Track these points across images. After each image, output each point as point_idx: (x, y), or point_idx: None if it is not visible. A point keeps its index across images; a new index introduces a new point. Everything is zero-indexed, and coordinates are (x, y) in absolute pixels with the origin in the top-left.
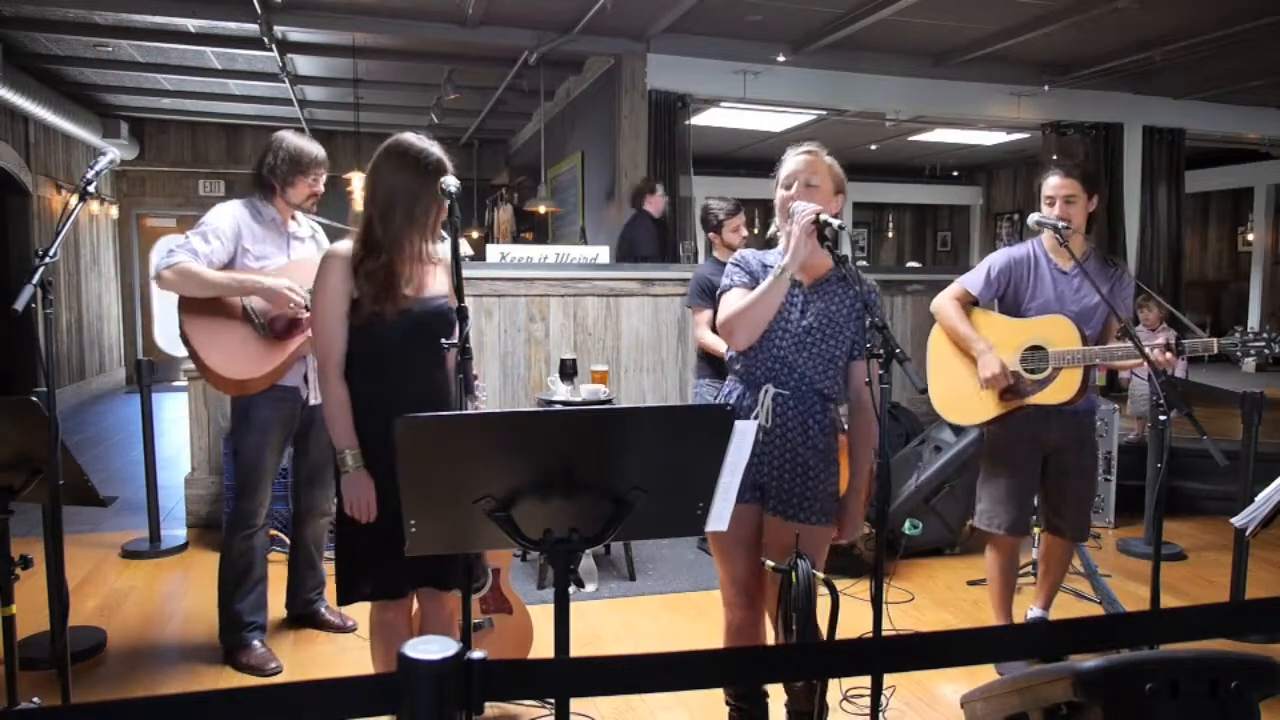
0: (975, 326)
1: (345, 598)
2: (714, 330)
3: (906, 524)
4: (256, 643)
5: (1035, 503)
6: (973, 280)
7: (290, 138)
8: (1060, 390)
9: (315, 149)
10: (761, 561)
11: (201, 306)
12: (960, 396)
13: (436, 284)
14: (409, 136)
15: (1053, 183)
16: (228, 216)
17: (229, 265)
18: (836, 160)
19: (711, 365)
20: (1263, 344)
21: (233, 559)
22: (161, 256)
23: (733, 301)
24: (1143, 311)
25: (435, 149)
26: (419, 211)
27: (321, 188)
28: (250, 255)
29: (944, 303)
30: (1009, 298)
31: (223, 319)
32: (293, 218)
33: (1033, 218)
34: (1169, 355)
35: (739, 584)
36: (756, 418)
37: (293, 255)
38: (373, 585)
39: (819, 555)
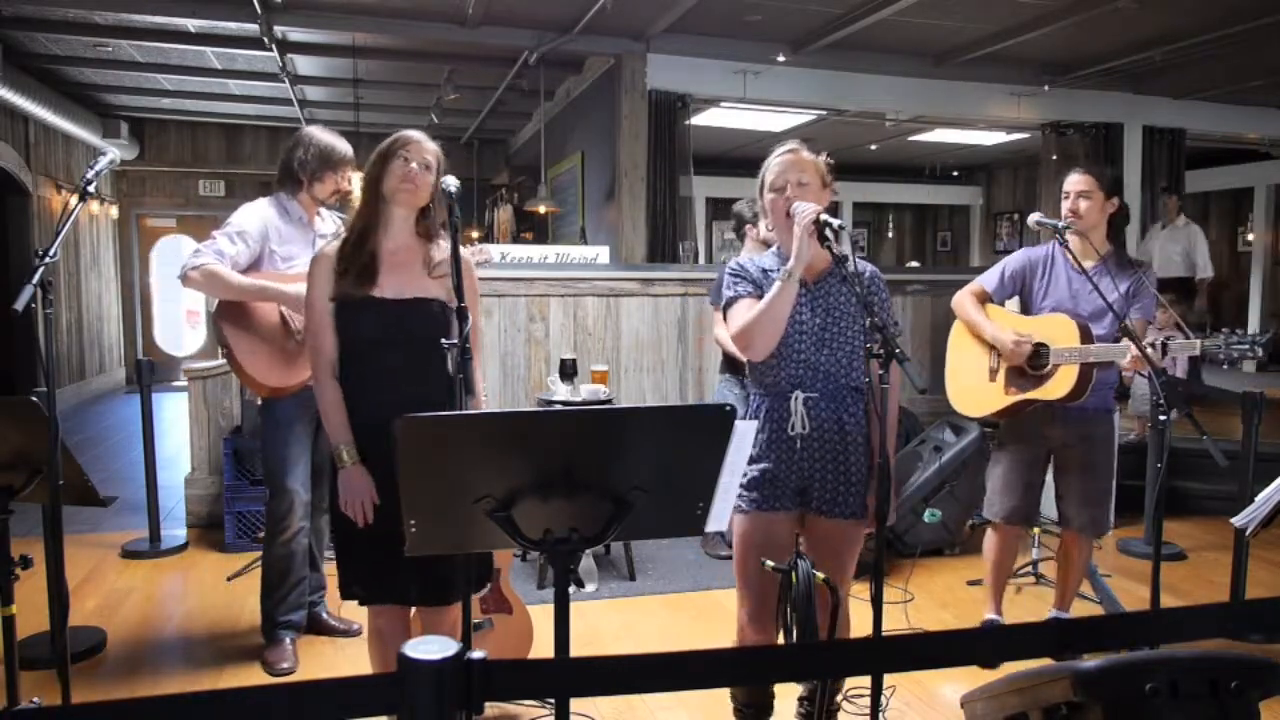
0: (989, 319)
1: (343, 593)
2: None
3: (927, 514)
4: (287, 641)
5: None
6: (989, 278)
7: (321, 134)
8: (1058, 386)
9: (345, 146)
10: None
11: (240, 312)
12: (972, 388)
13: (423, 287)
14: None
15: (1070, 179)
16: (255, 217)
17: (255, 265)
18: (833, 157)
19: (732, 362)
20: (1245, 346)
21: (271, 562)
22: (188, 256)
23: (743, 313)
24: (1159, 312)
25: (404, 131)
26: (365, 195)
27: (349, 185)
28: (277, 256)
29: (962, 297)
30: (1024, 296)
31: (261, 324)
32: (318, 214)
33: (1032, 218)
34: (1153, 353)
35: (765, 601)
36: (793, 426)
37: None
38: (366, 588)
39: (854, 552)
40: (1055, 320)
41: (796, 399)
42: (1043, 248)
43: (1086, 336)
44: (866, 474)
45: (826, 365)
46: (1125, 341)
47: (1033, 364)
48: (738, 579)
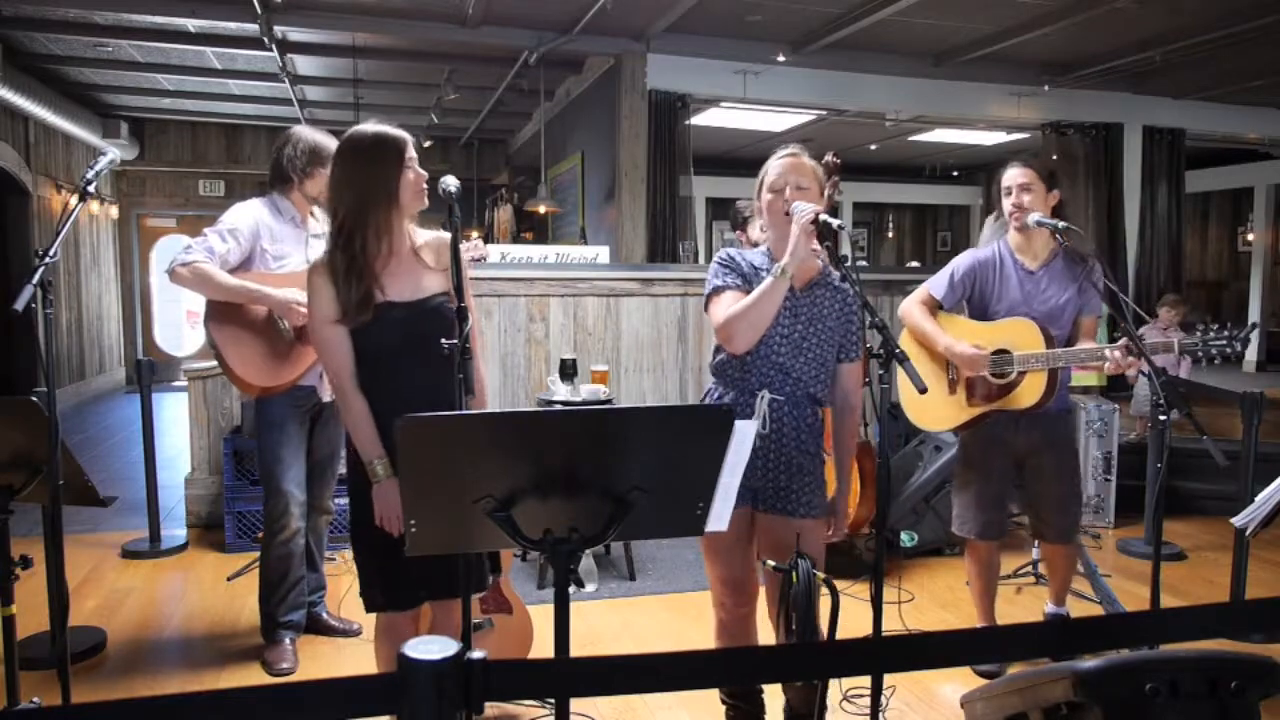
0: (941, 330)
1: (368, 605)
2: None
3: (904, 536)
4: (287, 641)
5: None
6: (936, 284)
7: (308, 131)
8: (1027, 394)
9: (334, 142)
10: (761, 561)
11: (229, 313)
12: (929, 403)
13: (428, 284)
14: (360, 127)
15: (1010, 174)
16: (247, 215)
17: (247, 263)
18: (833, 160)
19: None
20: (1224, 342)
21: (270, 563)
22: (178, 251)
23: (729, 304)
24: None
25: (390, 130)
26: (377, 202)
27: None
28: (269, 255)
29: (910, 307)
30: (975, 300)
31: (250, 325)
32: (311, 214)
33: (1031, 217)
34: (1125, 356)
35: (729, 584)
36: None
37: (310, 255)
38: (386, 594)
39: (818, 549)
40: (1016, 325)
41: (763, 399)
42: (988, 249)
43: (1050, 340)
44: (818, 478)
45: (798, 372)
46: (1102, 346)
47: (994, 372)
48: (709, 571)
